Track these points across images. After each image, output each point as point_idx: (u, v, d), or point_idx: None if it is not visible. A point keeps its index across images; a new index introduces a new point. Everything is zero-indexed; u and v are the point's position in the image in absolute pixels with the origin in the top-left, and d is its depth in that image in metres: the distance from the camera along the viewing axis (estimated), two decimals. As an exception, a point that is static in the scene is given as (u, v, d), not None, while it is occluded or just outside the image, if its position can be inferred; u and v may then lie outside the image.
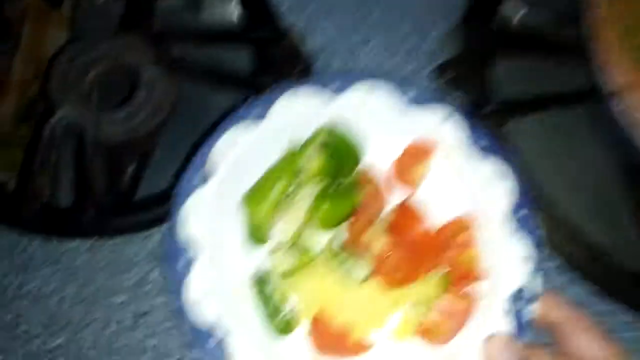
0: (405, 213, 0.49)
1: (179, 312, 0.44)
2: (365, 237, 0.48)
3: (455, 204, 0.50)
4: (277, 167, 0.50)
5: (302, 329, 0.49)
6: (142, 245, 0.58)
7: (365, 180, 0.51)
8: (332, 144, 0.50)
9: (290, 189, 0.50)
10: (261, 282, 0.49)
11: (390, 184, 0.52)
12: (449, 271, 0.48)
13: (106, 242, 0.59)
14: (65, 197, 0.62)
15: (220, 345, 0.44)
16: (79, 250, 0.59)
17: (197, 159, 0.49)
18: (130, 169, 0.63)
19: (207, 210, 0.48)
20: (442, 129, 0.50)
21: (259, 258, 0.50)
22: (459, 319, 0.47)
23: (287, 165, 0.50)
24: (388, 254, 0.46)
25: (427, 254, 0.48)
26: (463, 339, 0.47)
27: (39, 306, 0.57)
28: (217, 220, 0.49)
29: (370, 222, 0.48)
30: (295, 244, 0.50)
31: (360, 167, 0.51)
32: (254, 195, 0.49)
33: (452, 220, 0.49)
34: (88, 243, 0.59)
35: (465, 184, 0.50)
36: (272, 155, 0.51)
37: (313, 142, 0.50)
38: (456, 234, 0.49)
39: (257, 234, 0.50)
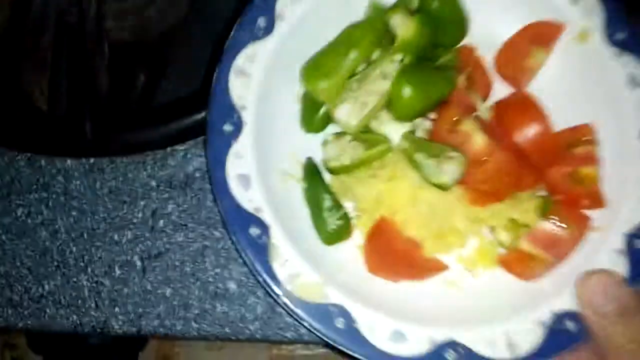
0: (512, 110, 0.38)
1: (218, 190, 0.36)
2: (456, 135, 0.37)
3: (576, 108, 0.39)
4: (351, 34, 0.38)
5: (354, 240, 0.40)
6: (154, 169, 0.43)
7: (465, 60, 0.39)
8: (429, 8, 0.38)
9: (363, 64, 0.39)
10: (312, 175, 0.40)
11: (498, 71, 0.40)
12: (552, 191, 0.38)
13: (109, 163, 0.43)
14: (57, 102, 0.46)
15: (262, 234, 0.36)
16: (74, 173, 0.43)
17: (253, 7, 0.38)
18: (140, 77, 0.49)
19: (259, 74, 0.38)
20: (572, 10, 0.38)
21: (313, 145, 0.41)
22: (557, 253, 0.37)
23: (365, 33, 0.38)
24: (483, 158, 0.35)
25: (533, 166, 0.37)
26: (557, 277, 0.37)
27: (24, 242, 0.42)
28: (268, 89, 0.39)
29: (464, 116, 0.37)
30: (361, 134, 0.39)
31: (461, 43, 0.39)
32: (316, 68, 0.39)
33: (572, 127, 0.38)
34: (86, 164, 0.43)
35: (591, 85, 0.39)
36: (347, 17, 0.40)
37: (409, 1, 0.38)
38: (575, 144, 0.38)
39: (313, 117, 0.40)
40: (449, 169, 0.35)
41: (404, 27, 0.37)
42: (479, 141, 0.35)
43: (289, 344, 0.41)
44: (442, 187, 0.35)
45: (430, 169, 0.36)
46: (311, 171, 0.40)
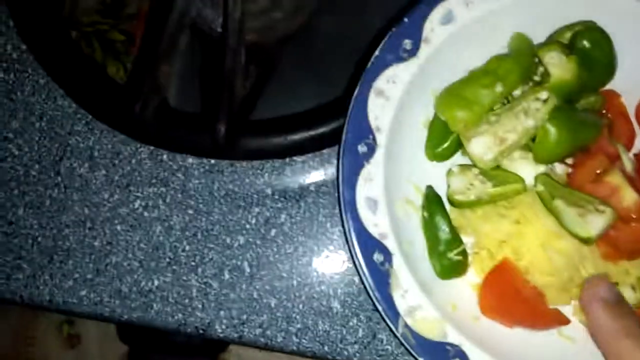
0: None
1: (346, 210, 0.35)
2: (600, 186, 0.35)
3: None
4: (499, 66, 0.37)
5: (468, 280, 0.39)
6: (271, 178, 0.42)
7: (609, 106, 0.37)
8: (581, 47, 0.36)
9: (504, 100, 0.38)
10: (433, 205, 0.39)
11: (638, 120, 0.38)
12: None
13: (229, 166, 0.43)
14: (189, 100, 0.47)
15: (385, 261, 0.35)
16: (194, 172, 0.42)
17: (401, 28, 0.37)
18: (251, 79, 0.47)
19: (397, 96, 0.37)
20: None
21: (434, 174, 0.40)
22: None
23: (514, 66, 0.37)
24: (633, 216, 0.33)
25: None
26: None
27: (138, 235, 0.42)
28: (402, 112, 0.38)
29: (610, 166, 0.35)
30: (490, 170, 0.38)
31: (608, 87, 0.38)
32: (456, 97, 0.38)
33: None
34: (207, 164, 0.43)
35: None
36: (490, 47, 0.38)
37: (560, 38, 0.36)
38: None
39: (440, 146, 0.39)
40: (596, 222, 0.33)
41: (560, 67, 0.35)
42: (628, 197, 0.33)
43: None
44: (585, 241, 0.34)
45: (572, 219, 0.34)
46: (433, 201, 0.39)
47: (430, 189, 0.39)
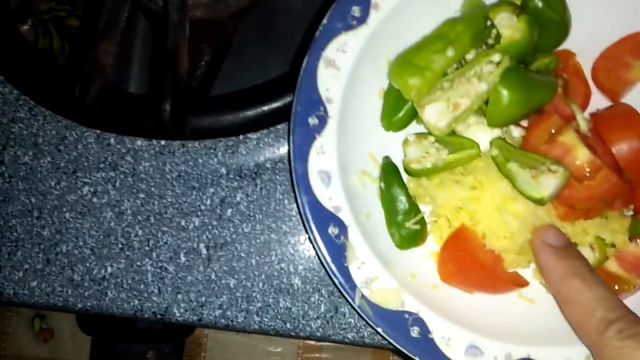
0: (613, 122, 0.35)
1: (298, 185, 0.34)
2: (554, 146, 0.35)
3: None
4: (450, 30, 0.36)
5: (428, 248, 0.38)
6: (225, 156, 0.41)
7: (564, 66, 0.37)
8: (533, 7, 0.35)
9: (456, 64, 0.37)
10: (390, 176, 0.38)
11: (594, 80, 0.38)
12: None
13: (180, 147, 0.41)
14: (132, 80, 0.46)
15: (341, 234, 0.35)
16: (144, 155, 0.41)
17: (346, -5, 0.36)
18: (205, 57, 0.46)
19: (348, 66, 0.36)
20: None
21: (391, 144, 0.39)
22: (645, 277, 0.36)
23: (465, 30, 0.36)
24: (586, 174, 0.33)
25: (633, 182, 0.35)
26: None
27: (88, 222, 0.40)
28: (353, 82, 0.37)
29: (564, 127, 0.35)
30: (446, 136, 0.37)
31: (562, 47, 0.37)
32: (408, 64, 0.36)
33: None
34: (156, 146, 0.41)
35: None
36: (442, 11, 0.37)
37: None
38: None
39: (395, 115, 0.38)
40: (549, 183, 0.33)
41: (510, 27, 0.35)
42: (581, 156, 0.33)
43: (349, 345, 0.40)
44: (539, 202, 0.33)
45: (525, 180, 0.34)
46: (389, 171, 0.38)
47: (386, 159, 0.39)
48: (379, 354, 0.89)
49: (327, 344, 0.89)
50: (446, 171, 0.37)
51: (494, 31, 0.36)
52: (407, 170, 0.38)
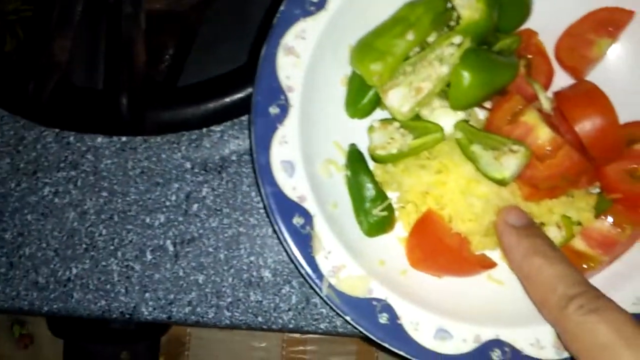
0: (576, 100, 0.35)
1: (261, 176, 0.34)
2: (516, 126, 0.35)
3: (637, 101, 0.36)
4: (409, 13, 0.36)
5: (396, 234, 0.38)
6: (189, 151, 0.40)
7: (526, 46, 0.37)
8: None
9: (417, 48, 0.36)
10: (356, 163, 0.38)
11: (557, 58, 0.38)
12: (608, 189, 0.36)
13: (142, 143, 0.40)
14: (89, 75, 0.43)
15: (306, 224, 0.34)
16: (104, 152, 0.40)
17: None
18: (170, 50, 0.45)
19: (308, 53, 0.36)
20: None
21: (357, 131, 0.39)
22: (611, 253, 0.36)
23: (424, 12, 0.36)
24: (547, 153, 0.33)
25: (597, 160, 0.35)
26: (608, 277, 0.36)
27: (51, 223, 0.39)
28: (315, 70, 0.36)
29: (526, 106, 0.35)
30: (410, 121, 0.37)
31: (523, 27, 0.37)
32: (369, 49, 0.36)
33: (632, 122, 0.36)
34: (117, 143, 0.40)
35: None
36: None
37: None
38: (635, 140, 0.36)
39: (359, 102, 0.38)
40: (511, 163, 0.33)
41: (469, 8, 0.34)
42: (543, 135, 0.33)
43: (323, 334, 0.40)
44: (501, 182, 0.33)
45: (488, 162, 0.34)
46: (355, 159, 0.38)
47: (352, 146, 0.38)
48: (364, 344, 0.89)
49: (311, 336, 0.89)
50: (412, 156, 0.37)
51: (454, 13, 0.36)
52: (372, 157, 0.38)
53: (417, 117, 0.38)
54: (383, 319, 0.35)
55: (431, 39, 0.37)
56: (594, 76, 0.39)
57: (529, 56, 0.37)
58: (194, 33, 0.49)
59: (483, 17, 0.34)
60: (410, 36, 0.35)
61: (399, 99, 0.36)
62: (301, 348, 0.88)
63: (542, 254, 0.31)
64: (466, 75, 0.34)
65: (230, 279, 0.39)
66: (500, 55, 0.36)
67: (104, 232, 0.39)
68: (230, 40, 0.51)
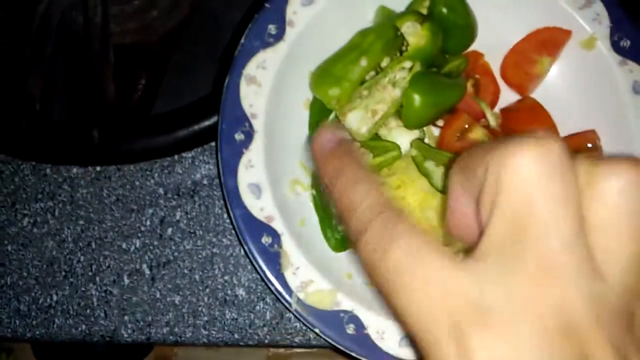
0: (520, 116, 0.38)
1: (230, 199, 0.35)
2: (465, 143, 0.37)
3: (580, 114, 0.39)
4: (361, 40, 0.38)
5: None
6: (162, 177, 0.42)
7: (473, 67, 0.39)
8: (439, 14, 0.38)
9: (372, 72, 0.39)
10: (319, 184, 0.40)
11: (503, 77, 0.40)
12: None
13: (116, 171, 0.42)
14: (62, 109, 0.44)
15: (274, 243, 0.36)
16: (80, 182, 0.41)
17: (264, 14, 0.38)
18: (142, 80, 0.46)
19: (270, 81, 0.38)
20: (579, 17, 0.39)
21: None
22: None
23: (375, 39, 0.38)
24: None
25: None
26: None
27: (31, 252, 0.41)
28: (277, 96, 0.39)
29: (473, 123, 0.37)
30: (369, 141, 0.39)
31: (470, 49, 0.40)
32: (326, 75, 0.39)
33: (575, 133, 0.39)
34: (92, 172, 0.42)
35: (595, 91, 0.39)
36: (356, 23, 0.40)
37: (418, 7, 0.38)
38: (579, 150, 0.38)
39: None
40: (460, 178, 0.35)
41: (415, 34, 0.37)
42: (488, 150, 0.36)
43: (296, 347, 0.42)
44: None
45: (439, 177, 0.36)
46: (316, 182, 0.40)
47: (316, 169, 0.41)
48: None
49: (297, 350, 0.90)
50: (372, 174, 0.39)
51: (404, 39, 0.39)
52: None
53: (376, 136, 0.40)
54: (350, 329, 0.37)
55: (384, 63, 0.40)
56: (537, 93, 0.41)
57: (477, 76, 0.40)
58: (165, 62, 0.51)
59: (428, 43, 0.36)
60: (363, 62, 0.38)
61: (357, 121, 0.39)
62: (287, 363, 0.90)
63: (344, 175, 0.22)
64: (416, 97, 0.37)
65: (206, 299, 0.41)
66: (448, 77, 0.38)
67: (82, 259, 0.40)
68: (205, 66, 0.53)
